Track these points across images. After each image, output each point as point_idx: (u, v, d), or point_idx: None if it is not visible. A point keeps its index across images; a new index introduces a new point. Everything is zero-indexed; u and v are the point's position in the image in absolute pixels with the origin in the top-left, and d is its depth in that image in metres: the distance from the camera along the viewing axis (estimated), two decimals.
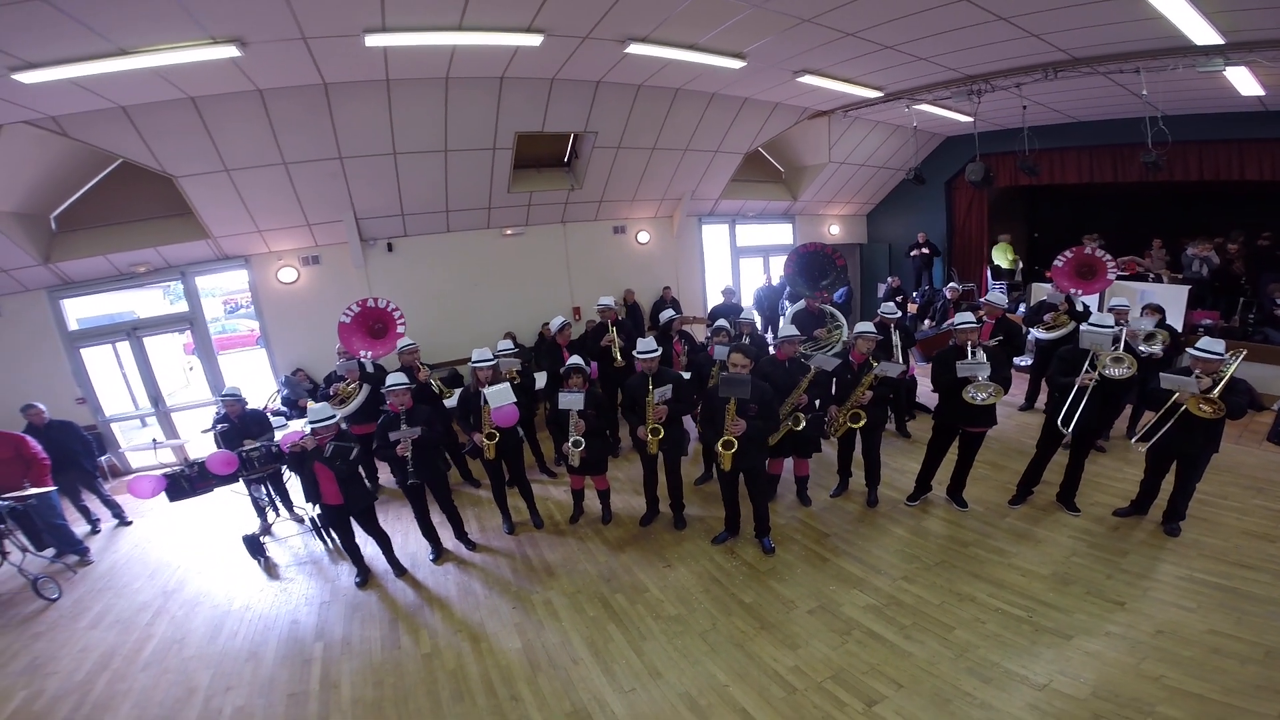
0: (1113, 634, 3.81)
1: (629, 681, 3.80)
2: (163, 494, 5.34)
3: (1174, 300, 8.18)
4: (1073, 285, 7.48)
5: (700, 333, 9.57)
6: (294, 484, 6.19)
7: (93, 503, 6.77)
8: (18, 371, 7.47)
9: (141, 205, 7.57)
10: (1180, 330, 7.78)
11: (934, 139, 11.73)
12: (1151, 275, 9.15)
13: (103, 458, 7.28)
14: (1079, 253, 7.59)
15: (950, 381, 4.96)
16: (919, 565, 4.73)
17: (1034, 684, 3.47)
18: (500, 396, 5.14)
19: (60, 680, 4.24)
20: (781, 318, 9.66)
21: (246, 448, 5.64)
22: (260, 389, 8.44)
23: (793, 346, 5.46)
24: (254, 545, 5.60)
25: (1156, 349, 5.78)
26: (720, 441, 4.64)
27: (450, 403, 5.85)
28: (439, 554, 5.43)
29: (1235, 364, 4.35)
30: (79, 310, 8.24)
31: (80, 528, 6.52)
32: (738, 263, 12.60)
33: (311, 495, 4.96)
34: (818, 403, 5.49)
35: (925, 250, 12.02)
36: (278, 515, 6.34)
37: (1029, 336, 7.47)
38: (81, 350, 7.93)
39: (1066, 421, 4.83)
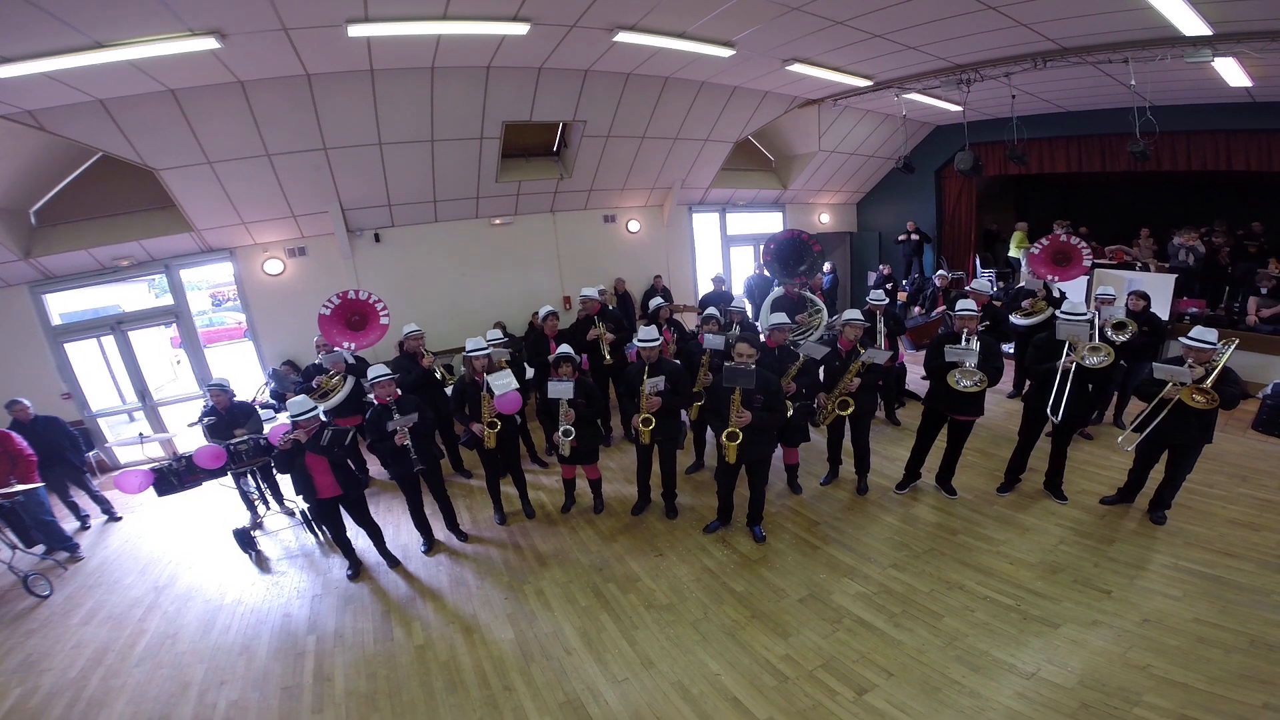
0: (1100, 622, 3.85)
1: (622, 671, 3.83)
2: (151, 489, 5.29)
3: (1161, 289, 8.25)
4: (1049, 272, 7.56)
5: (691, 321, 9.57)
6: (284, 477, 6.16)
7: (81, 499, 6.71)
8: (1, 368, 7.36)
9: (123, 198, 7.46)
10: (1167, 318, 7.87)
11: (923, 128, 11.73)
12: (1139, 264, 9.21)
13: (90, 453, 7.20)
14: (1054, 240, 7.68)
15: (940, 366, 4.98)
16: (909, 553, 4.77)
17: (1022, 672, 3.51)
18: (503, 384, 5.12)
19: (54, 677, 4.23)
20: (763, 304, 9.68)
21: (234, 440, 5.60)
22: (248, 382, 8.37)
23: (783, 334, 5.47)
24: (244, 539, 5.59)
25: (1125, 336, 5.76)
26: (725, 433, 4.60)
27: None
28: (431, 545, 5.43)
29: (1228, 353, 4.36)
30: (62, 305, 8.12)
31: (69, 524, 6.48)
32: (728, 251, 12.60)
33: (304, 490, 4.92)
34: (804, 390, 5.51)
35: (915, 237, 12.05)
36: (268, 508, 6.32)
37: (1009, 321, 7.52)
38: (65, 345, 7.81)
39: (1055, 409, 4.86)
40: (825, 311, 7.00)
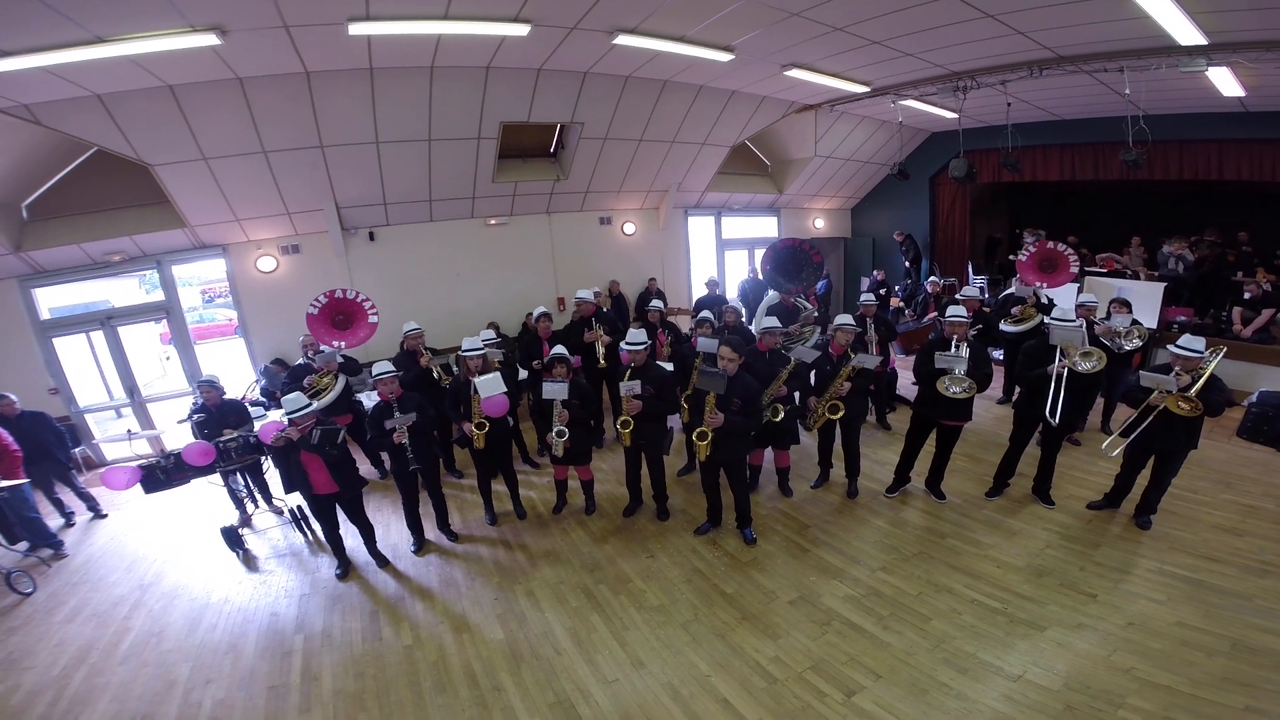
0: (1085, 626, 3.88)
1: (612, 672, 3.82)
2: (138, 486, 5.25)
3: (1150, 297, 8.33)
4: (1036, 279, 7.63)
5: (685, 324, 9.58)
6: (272, 475, 6.13)
7: (67, 495, 6.65)
8: None
9: (116, 193, 7.42)
10: (1155, 326, 7.95)
11: (919, 134, 11.81)
12: (1129, 272, 9.29)
13: (77, 449, 7.15)
14: (1041, 247, 7.75)
15: (930, 372, 5.01)
16: (897, 556, 4.79)
17: (1008, 675, 3.54)
18: (490, 386, 5.11)
19: (37, 675, 4.18)
20: (759, 308, 9.71)
21: (224, 439, 5.57)
22: (239, 379, 8.34)
23: (774, 338, 5.50)
24: (232, 537, 5.55)
25: (1137, 342, 5.84)
26: (695, 432, 4.67)
27: None
28: (421, 545, 5.41)
29: (1215, 362, 4.40)
30: (51, 299, 8.05)
31: (54, 521, 6.41)
32: (723, 255, 12.64)
33: (299, 487, 4.90)
34: (797, 395, 5.53)
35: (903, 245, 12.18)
36: (256, 507, 6.28)
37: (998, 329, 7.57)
38: (54, 340, 7.76)
39: (1054, 412, 4.89)
40: (817, 330, 7.02)
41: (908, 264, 12.27)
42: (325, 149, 7.24)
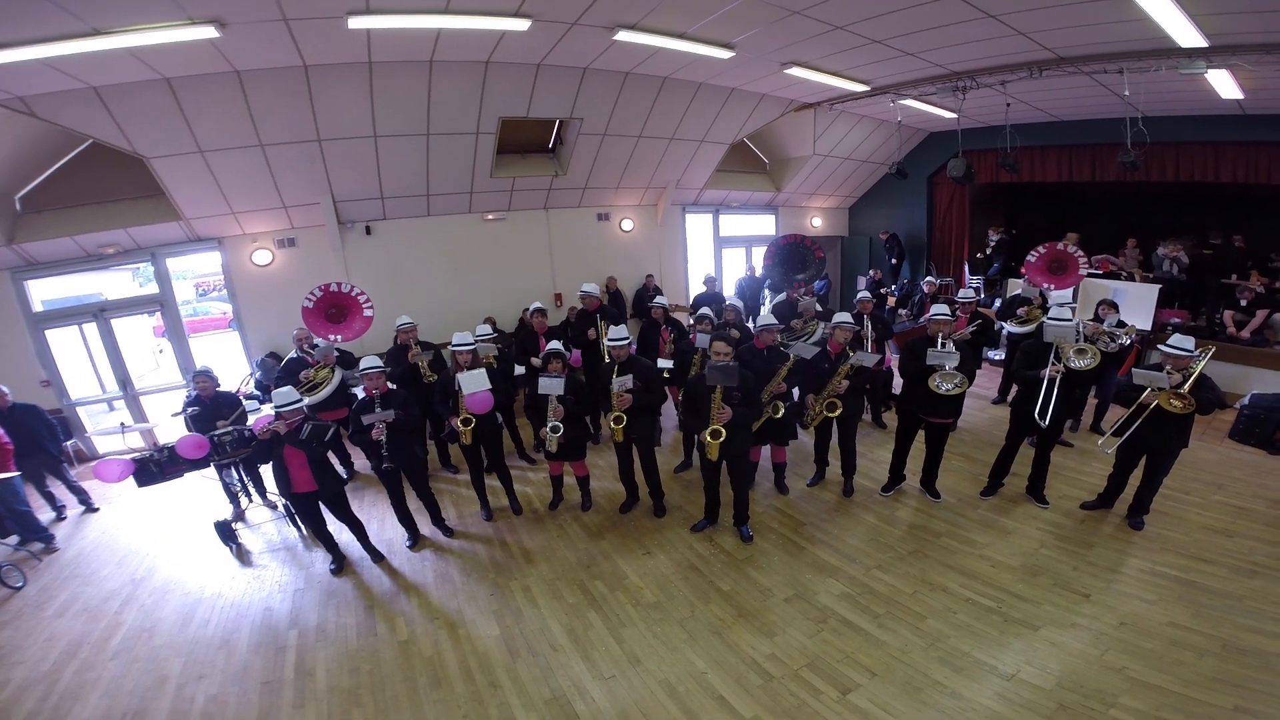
0: (1078, 625, 3.90)
1: (608, 668, 3.82)
2: (130, 479, 5.22)
3: (1144, 299, 8.37)
4: (1045, 280, 7.66)
5: (682, 321, 9.58)
6: (267, 469, 6.10)
7: (58, 489, 6.60)
8: None
9: (111, 186, 7.38)
10: (1150, 328, 7.99)
11: (917, 134, 11.81)
12: (1124, 274, 9.33)
13: (68, 442, 7.10)
14: (1051, 248, 7.78)
15: (917, 370, 5.03)
16: (893, 555, 4.80)
17: (1002, 674, 3.55)
18: (474, 383, 5.10)
19: (26, 670, 4.15)
20: (762, 307, 9.73)
21: (218, 430, 5.54)
22: (233, 372, 8.29)
23: (771, 335, 5.50)
24: (226, 531, 5.52)
25: (1125, 341, 6.03)
26: (708, 431, 4.63)
27: None
28: (416, 540, 5.39)
29: (1204, 360, 4.47)
30: (44, 292, 8.01)
31: (45, 514, 6.37)
32: (720, 252, 12.62)
33: (279, 483, 4.87)
34: (795, 391, 5.53)
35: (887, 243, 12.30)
36: (250, 501, 6.25)
37: (1002, 331, 7.61)
38: (46, 332, 7.71)
39: (1043, 413, 4.92)
40: (821, 325, 7.02)
41: (893, 262, 12.30)
42: (323, 143, 7.20)
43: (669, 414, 7.14)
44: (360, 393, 6.52)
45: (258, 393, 7.41)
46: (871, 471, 6.07)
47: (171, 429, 6.63)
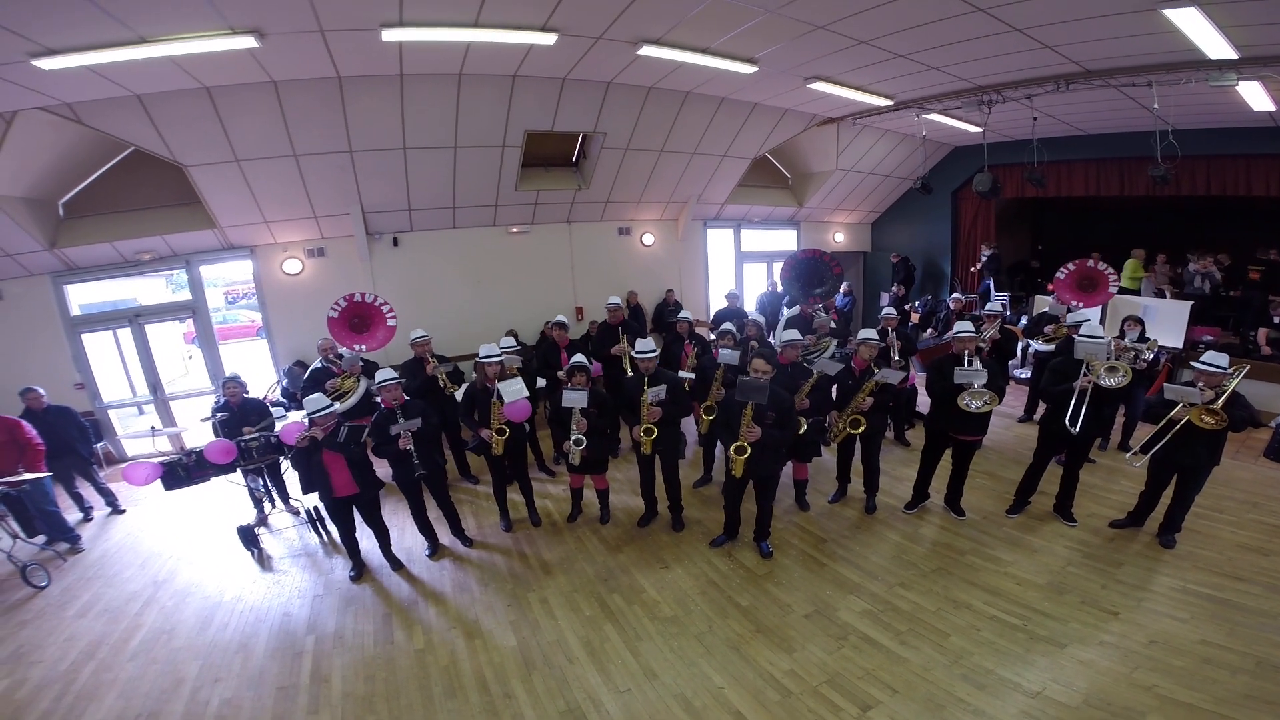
0: (1106, 643, 3.81)
1: (624, 682, 3.79)
2: (157, 482, 5.30)
3: (1175, 316, 8.18)
4: (1074, 298, 7.53)
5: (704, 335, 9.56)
6: (291, 476, 6.17)
7: (86, 490, 6.73)
8: (18, 355, 7.47)
9: (149, 193, 7.59)
10: (1181, 345, 7.82)
11: (942, 148, 11.74)
12: (1154, 290, 9.15)
13: (99, 444, 7.26)
14: (1081, 265, 7.65)
15: (945, 388, 4.96)
16: (915, 572, 4.72)
17: (1027, 691, 3.47)
18: (514, 391, 5.13)
19: (44, 669, 4.20)
20: (780, 323, 9.68)
21: (246, 436, 5.62)
22: (260, 380, 8.43)
23: (795, 350, 5.47)
24: (248, 536, 5.58)
25: (1149, 355, 5.96)
26: (734, 446, 4.56)
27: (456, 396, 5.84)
28: (435, 549, 5.41)
29: (1238, 378, 4.38)
30: (81, 296, 8.24)
31: (73, 515, 6.50)
32: (741, 268, 12.61)
33: (319, 488, 4.91)
34: (817, 407, 5.47)
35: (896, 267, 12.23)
36: (274, 506, 6.32)
37: (1029, 349, 7.49)
38: (83, 336, 7.93)
39: (1074, 421, 4.81)
40: (833, 342, 6.97)
41: (894, 289, 12.11)
42: (354, 154, 7.35)
43: (689, 428, 7.11)
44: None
45: (284, 400, 7.53)
46: (894, 489, 5.98)
47: (200, 434, 6.75)
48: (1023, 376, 8.71)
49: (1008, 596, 4.33)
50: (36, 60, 4.77)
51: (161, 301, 10.12)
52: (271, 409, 6.31)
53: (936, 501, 5.64)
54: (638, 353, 5.24)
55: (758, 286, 12.37)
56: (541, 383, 6.55)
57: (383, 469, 6.66)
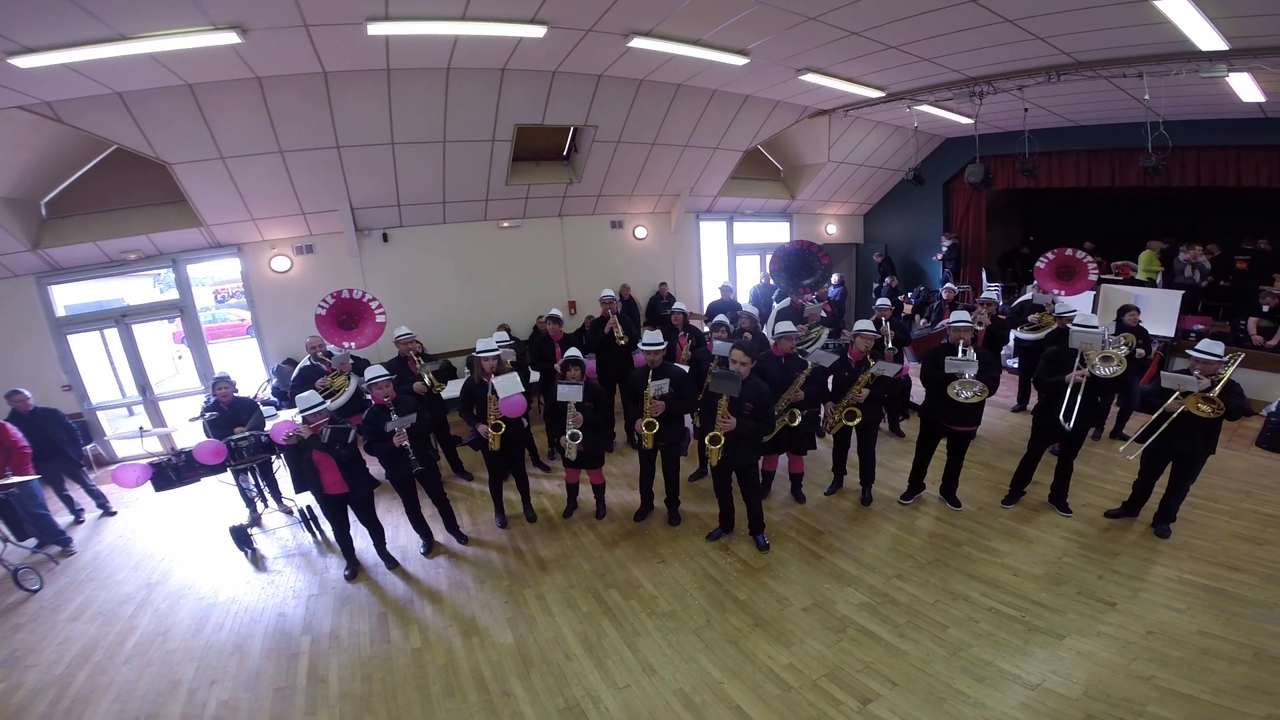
0: (1104, 634, 3.82)
1: (623, 678, 3.77)
2: (148, 483, 5.25)
3: (1166, 306, 8.23)
4: (1055, 286, 7.60)
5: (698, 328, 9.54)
6: (283, 475, 6.12)
7: (76, 492, 6.66)
8: (3, 358, 7.35)
9: (134, 192, 7.48)
10: (1173, 335, 7.87)
11: (933, 140, 11.75)
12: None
13: (88, 446, 7.17)
14: (1060, 254, 7.73)
15: (939, 378, 4.97)
16: (913, 564, 4.73)
17: (1027, 683, 3.48)
18: (509, 386, 5.08)
19: (40, 673, 4.16)
20: (771, 315, 9.68)
21: (236, 436, 5.56)
22: (250, 379, 8.35)
23: (789, 342, 5.45)
24: (241, 537, 5.53)
25: (1124, 349, 5.87)
26: (708, 436, 4.62)
27: (450, 393, 5.78)
28: (430, 547, 5.38)
29: (1234, 366, 4.40)
30: (67, 297, 8.12)
31: (63, 518, 6.42)
32: (734, 260, 12.60)
33: (311, 486, 4.87)
34: (812, 399, 5.46)
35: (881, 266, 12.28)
36: (266, 506, 6.27)
37: (1011, 336, 7.55)
38: (69, 337, 7.82)
39: (1068, 416, 4.83)
40: (825, 332, 6.96)
41: (878, 285, 12.16)
42: (341, 149, 7.27)
43: (688, 420, 7.10)
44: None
45: (275, 399, 7.47)
46: (889, 480, 5.99)
47: (190, 434, 6.68)
48: (1013, 365, 8.74)
49: (1005, 588, 4.34)
50: (13, 59, 4.67)
51: (149, 301, 10.00)
52: (262, 408, 6.24)
53: (932, 492, 5.66)
54: (644, 345, 5.21)
55: (751, 279, 12.37)
56: (535, 376, 6.52)
57: (376, 467, 6.67)
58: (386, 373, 5.08)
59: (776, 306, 8.34)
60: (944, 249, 11.84)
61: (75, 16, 4.36)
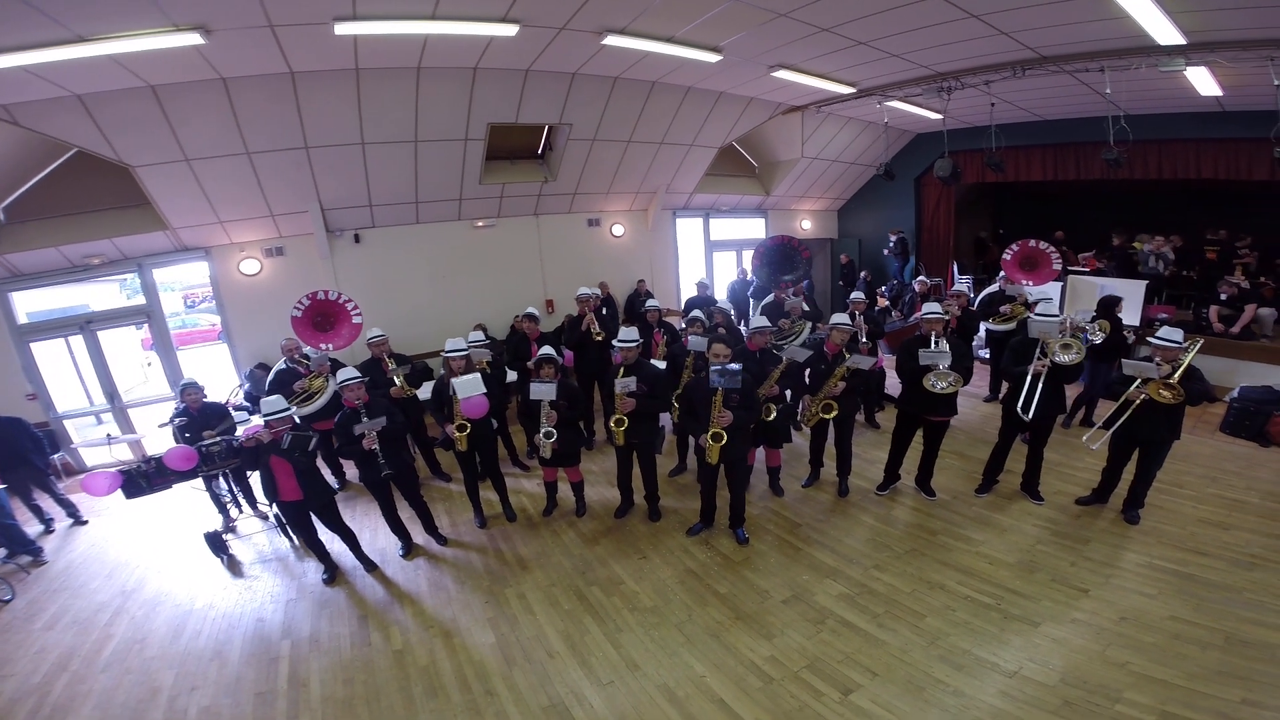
0: (1078, 621, 3.90)
1: (606, 674, 3.79)
2: (119, 491, 5.14)
3: (1132, 295, 8.42)
4: (1020, 277, 7.78)
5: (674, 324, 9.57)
6: (256, 479, 6.03)
7: (45, 501, 6.51)
8: None
9: (96, 195, 7.29)
10: (1138, 324, 8.06)
11: (904, 136, 11.90)
12: (1110, 270, 9.41)
13: (55, 455, 7.00)
14: (1024, 245, 7.91)
15: (913, 369, 5.04)
16: (890, 554, 4.79)
17: (1005, 671, 3.54)
18: (469, 387, 5.03)
19: (17, 683, 4.09)
20: (752, 310, 9.76)
21: (206, 440, 5.47)
22: (222, 384, 8.20)
23: (764, 337, 5.49)
24: (216, 543, 5.45)
25: (1097, 338, 6.07)
26: (710, 434, 4.60)
27: (423, 394, 5.73)
28: (409, 549, 5.34)
29: (1193, 352, 4.51)
30: (29, 304, 7.90)
31: (33, 528, 6.28)
32: (711, 256, 12.65)
33: (267, 492, 4.82)
34: (789, 394, 5.51)
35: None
36: (240, 511, 6.17)
37: (981, 327, 7.69)
38: (31, 345, 7.60)
39: (1026, 409, 4.94)
40: (808, 326, 7.01)
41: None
42: (310, 150, 7.16)
43: (665, 419, 7.12)
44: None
45: (247, 404, 7.34)
46: (866, 471, 6.07)
47: (160, 440, 6.55)
48: (984, 355, 8.90)
49: (980, 576, 4.42)
50: None
51: (115, 307, 9.75)
52: (234, 413, 6.14)
53: (907, 482, 5.74)
54: (619, 342, 5.20)
55: (728, 275, 12.43)
56: (513, 376, 6.49)
57: (352, 471, 6.60)
58: (359, 375, 5.03)
59: (759, 303, 8.38)
60: (891, 243, 12.18)
61: (29, 17, 4.24)
